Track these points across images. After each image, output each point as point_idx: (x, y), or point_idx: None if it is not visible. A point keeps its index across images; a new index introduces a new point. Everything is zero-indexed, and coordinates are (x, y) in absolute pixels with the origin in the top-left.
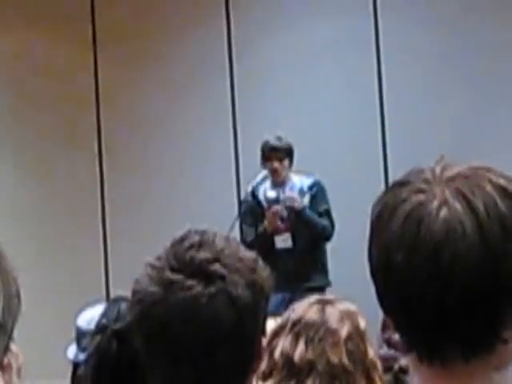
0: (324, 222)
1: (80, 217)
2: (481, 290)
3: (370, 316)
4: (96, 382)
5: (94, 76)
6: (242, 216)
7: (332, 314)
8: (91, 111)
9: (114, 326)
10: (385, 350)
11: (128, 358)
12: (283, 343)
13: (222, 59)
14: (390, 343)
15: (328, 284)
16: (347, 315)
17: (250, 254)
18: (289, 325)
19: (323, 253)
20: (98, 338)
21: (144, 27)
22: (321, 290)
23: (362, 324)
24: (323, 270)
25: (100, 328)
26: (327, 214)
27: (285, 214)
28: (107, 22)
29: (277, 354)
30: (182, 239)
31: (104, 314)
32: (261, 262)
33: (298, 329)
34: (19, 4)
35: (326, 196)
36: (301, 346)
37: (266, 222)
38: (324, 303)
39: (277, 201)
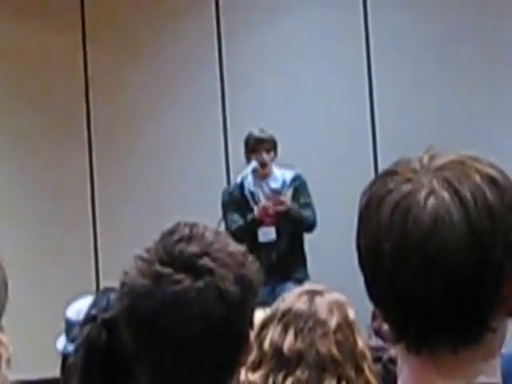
0: (307, 213)
1: (69, 208)
2: (469, 279)
3: (359, 306)
4: (86, 371)
5: (83, 65)
6: (227, 205)
7: (321, 304)
8: (81, 100)
9: (103, 315)
10: (374, 341)
11: (118, 348)
12: (272, 334)
13: (212, 50)
14: (379, 333)
15: (307, 277)
16: (336, 306)
17: (239, 249)
18: (278, 315)
19: (303, 246)
20: (87, 327)
21: (133, 17)
22: (300, 282)
23: (351, 315)
24: (304, 263)
25: (89, 318)
26: (308, 206)
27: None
28: (97, 11)
29: (266, 344)
30: (172, 232)
31: (93, 305)
32: (250, 257)
33: (287, 319)
34: None
35: (307, 189)
36: (290, 337)
37: (255, 211)
38: (313, 294)
39: (279, 192)
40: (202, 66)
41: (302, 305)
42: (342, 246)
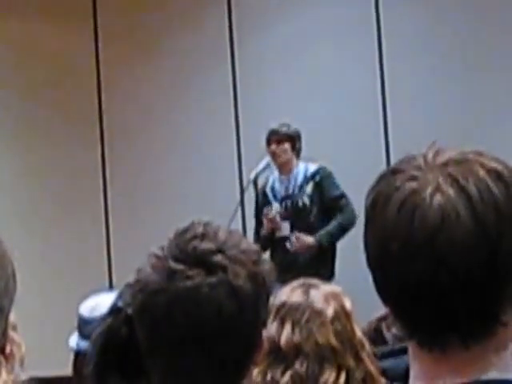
0: (337, 222)
1: (82, 207)
2: (478, 275)
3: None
4: (100, 364)
5: (95, 62)
6: (255, 211)
7: (316, 295)
8: (93, 97)
9: (127, 310)
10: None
11: (136, 345)
12: (269, 329)
13: (224, 46)
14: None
15: (332, 276)
16: (332, 296)
17: (252, 246)
18: (273, 310)
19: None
20: (110, 318)
21: (146, 15)
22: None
23: (348, 304)
24: (332, 260)
25: (114, 310)
26: (342, 198)
27: (278, 218)
28: (110, 9)
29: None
30: (186, 230)
31: (119, 297)
32: (264, 255)
33: (283, 313)
34: None
35: (334, 180)
36: (287, 330)
37: (264, 225)
38: (308, 286)
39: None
40: (215, 63)
41: (297, 297)
42: (356, 244)
